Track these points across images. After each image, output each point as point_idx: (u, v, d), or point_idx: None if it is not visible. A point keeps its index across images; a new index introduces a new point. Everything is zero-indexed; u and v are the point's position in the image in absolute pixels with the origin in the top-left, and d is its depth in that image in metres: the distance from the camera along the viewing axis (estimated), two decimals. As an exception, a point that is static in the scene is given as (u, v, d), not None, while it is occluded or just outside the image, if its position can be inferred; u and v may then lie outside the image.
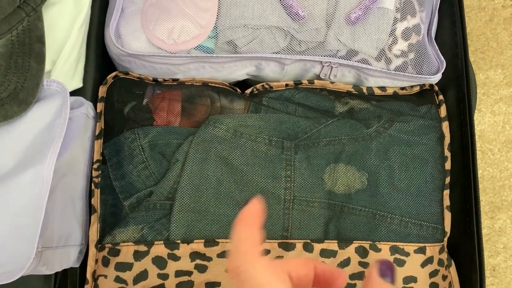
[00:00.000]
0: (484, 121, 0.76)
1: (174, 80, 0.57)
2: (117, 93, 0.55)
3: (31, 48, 0.47)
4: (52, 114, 0.46)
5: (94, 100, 0.56)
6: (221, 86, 0.57)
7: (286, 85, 0.57)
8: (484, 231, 0.73)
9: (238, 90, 0.58)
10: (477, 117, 0.76)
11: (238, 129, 0.52)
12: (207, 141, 0.51)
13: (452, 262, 0.56)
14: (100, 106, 0.54)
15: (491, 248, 0.73)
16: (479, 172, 0.75)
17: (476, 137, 0.76)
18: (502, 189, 0.74)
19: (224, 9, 0.54)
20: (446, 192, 0.56)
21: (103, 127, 0.54)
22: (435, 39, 0.63)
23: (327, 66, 0.56)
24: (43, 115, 0.46)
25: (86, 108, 0.52)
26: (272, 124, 0.53)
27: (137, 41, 0.55)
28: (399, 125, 0.55)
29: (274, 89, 0.57)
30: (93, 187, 0.52)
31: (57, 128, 0.45)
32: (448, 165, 0.57)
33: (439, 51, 0.59)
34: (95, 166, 0.52)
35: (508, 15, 0.79)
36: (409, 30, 0.57)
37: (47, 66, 0.51)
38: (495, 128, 0.75)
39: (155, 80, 0.57)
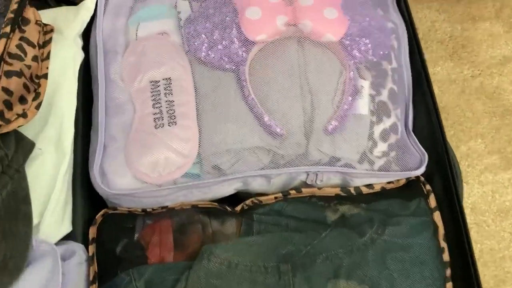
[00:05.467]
0: (473, 193, 0.77)
1: (163, 207, 0.57)
2: (107, 231, 0.55)
3: (17, 211, 0.47)
4: (45, 278, 0.45)
5: (86, 240, 0.55)
6: (210, 206, 0.57)
7: (275, 197, 0.58)
8: (493, 307, 0.72)
9: (228, 208, 0.58)
10: (466, 189, 0.77)
11: (233, 260, 0.52)
12: (203, 277, 0.51)
13: None
14: (92, 248, 0.54)
15: (503, 323, 0.72)
16: (477, 246, 0.75)
17: (469, 210, 0.77)
18: (503, 261, 0.74)
19: (206, 138, 0.55)
20: (449, 285, 0.56)
21: (96, 270, 0.53)
22: (413, 127, 0.64)
23: (313, 173, 0.57)
24: (35, 280, 0.45)
25: (78, 255, 0.52)
26: (265, 247, 0.53)
27: (123, 178, 0.55)
28: (392, 229, 0.55)
29: (263, 203, 0.58)
30: (92, 336, 0.50)
31: (51, 290, 0.44)
32: (446, 257, 0.57)
33: (419, 143, 0.60)
34: (92, 313, 0.51)
35: (478, 84, 0.82)
36: (387, 131, 0.58)
37: (35, 219, 0.51)
38: (485, 199, 0.76)
39: (144, 210, 0.57)
